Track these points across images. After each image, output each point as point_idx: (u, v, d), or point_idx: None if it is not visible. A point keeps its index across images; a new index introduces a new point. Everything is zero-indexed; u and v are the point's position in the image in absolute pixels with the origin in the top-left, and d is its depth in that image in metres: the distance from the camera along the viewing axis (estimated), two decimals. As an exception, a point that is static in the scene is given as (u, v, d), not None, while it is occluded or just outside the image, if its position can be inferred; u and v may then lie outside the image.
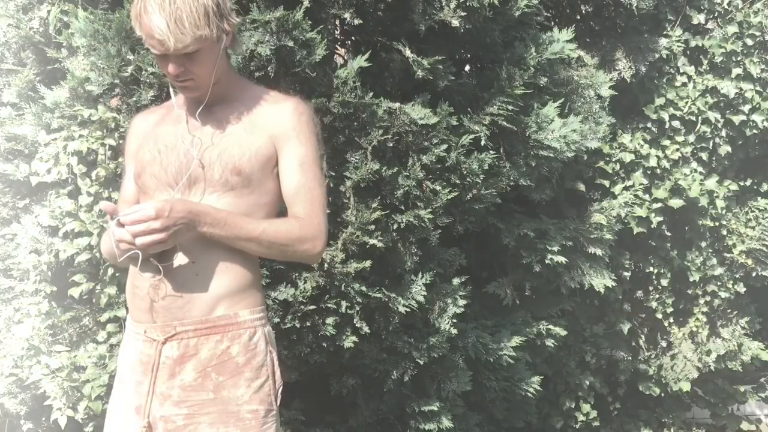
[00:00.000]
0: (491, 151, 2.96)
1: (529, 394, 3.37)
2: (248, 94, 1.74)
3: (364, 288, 2.71)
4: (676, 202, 3.94)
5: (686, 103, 4.06)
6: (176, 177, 1.66)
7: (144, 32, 1.56)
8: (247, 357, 1.63)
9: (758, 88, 4.07)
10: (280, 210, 1.77)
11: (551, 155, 3.16)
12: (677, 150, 4.06)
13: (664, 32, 4.09)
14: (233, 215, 1.62)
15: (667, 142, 4.06)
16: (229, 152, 1.64)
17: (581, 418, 4.04)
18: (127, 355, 1.70)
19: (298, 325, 2.67)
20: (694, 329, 4.20)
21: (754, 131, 4.12)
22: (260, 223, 1.64)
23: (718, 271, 4.17)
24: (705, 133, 4.09)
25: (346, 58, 2.96)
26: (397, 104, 2.71)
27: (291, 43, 2.49)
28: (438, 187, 2.79)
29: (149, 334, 1.63)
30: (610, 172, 3.93)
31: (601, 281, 3.57)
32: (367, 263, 2.67)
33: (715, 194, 4.09)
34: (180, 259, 1.61)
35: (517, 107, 3.01)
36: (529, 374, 3.39)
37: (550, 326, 3.57)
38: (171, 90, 1.79)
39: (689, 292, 4.23)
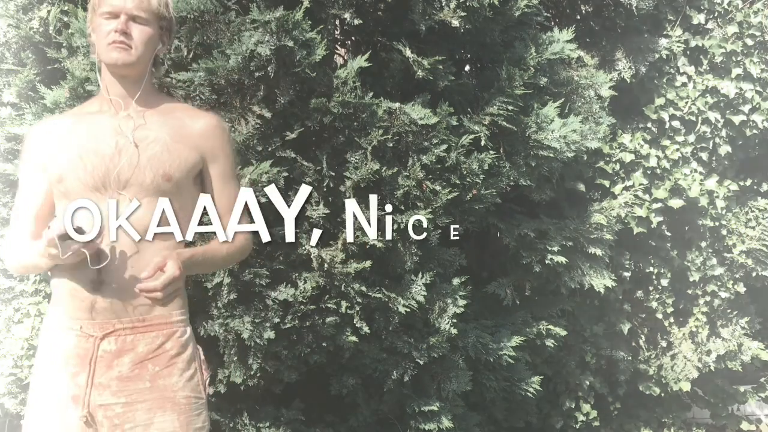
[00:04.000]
0: (491, 151, 2.96)
1: (529, 394, 3.37)
2: (167, 103, 1.87)
3: (364, 288, 2.71)
4: (676, 202, 3.94)
5: (686, 103, 4.06)
6: (103, 180, 1.70)
7: None
8: (179, 351, 1.77)
9: (758, 88, 4.07)
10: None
11: (551, 155, 3.16)
12: (677, 150, 4.05)
13: (664, 32, 4.09)
14: (203, 249, 1.81)
15: (667, 142, 4.06)
16: (159, 158, 1.73)
17: (581, 418, 4.04)
18: (58, 348, 1.75)
19: (298, 325, 2.67)
20: (694, 329, 4.20)
21: (754, 131, 4.11)
22: (221, 246, 1.76)
23: (718, 271, 4.16)
24: (705, 133, 4.09)
25: (346, 58, 2.96)
26: (397, 104, 2.71)
27: (291, 43, 2.49)
28: (438, 187, 2.79)
29: (86, 330, 1.71)
30: (610, 172, 3.93)
31: (601, 281, 3.57)
32: (367, 263, 2.67)
33: (715, 194, 4.09)
34: (120, 265, 1.70)
35: (517, 107, 3.01)
36: (529, 374, 3.39)
37: (550, 326, 3.57)
38: (98, 75, 1.86)
39: (689, 292, 4.23)
